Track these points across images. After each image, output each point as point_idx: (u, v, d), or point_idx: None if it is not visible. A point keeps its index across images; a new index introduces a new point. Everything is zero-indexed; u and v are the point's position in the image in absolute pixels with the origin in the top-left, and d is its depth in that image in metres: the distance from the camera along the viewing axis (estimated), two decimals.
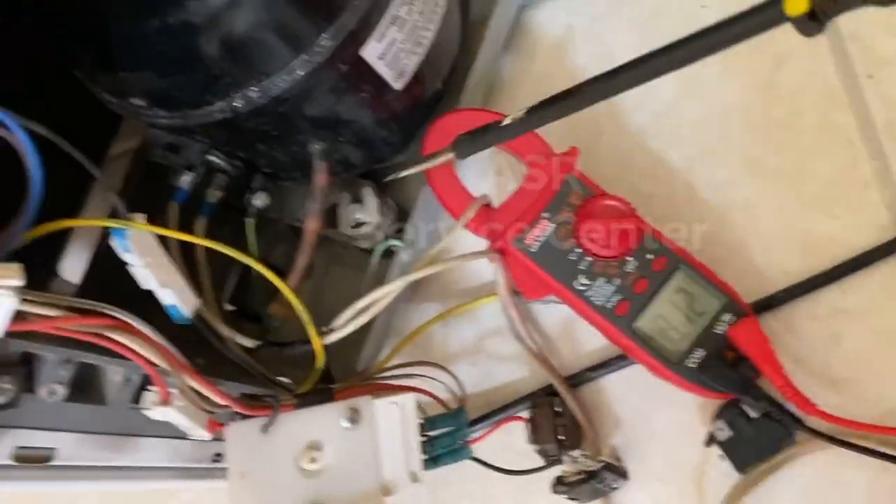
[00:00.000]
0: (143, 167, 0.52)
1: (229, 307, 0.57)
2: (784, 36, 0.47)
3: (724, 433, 0.44)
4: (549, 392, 0.50)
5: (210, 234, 0.47)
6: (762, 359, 0.42)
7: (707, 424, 0.46)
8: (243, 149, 0.45)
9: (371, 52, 0.41)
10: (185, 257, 0.48)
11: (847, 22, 0.47)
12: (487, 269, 0.53)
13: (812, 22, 0.25)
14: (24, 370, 0.31)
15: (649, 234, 0.45)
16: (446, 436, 0.44)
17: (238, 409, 0.36)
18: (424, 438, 0.42)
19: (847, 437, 0.42)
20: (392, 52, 0.42)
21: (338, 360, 0.50)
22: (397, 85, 0.44)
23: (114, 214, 0.37)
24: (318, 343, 0.41)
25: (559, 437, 0.47)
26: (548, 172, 0.46)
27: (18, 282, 0.26)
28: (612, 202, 0.45)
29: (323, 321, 0.45)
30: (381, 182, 0.53)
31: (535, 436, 0.47)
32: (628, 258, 0.44)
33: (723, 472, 0.45)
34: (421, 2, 0.43)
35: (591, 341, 0.50)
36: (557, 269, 0.45)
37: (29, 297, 0.28)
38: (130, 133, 0.46)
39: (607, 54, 0.54)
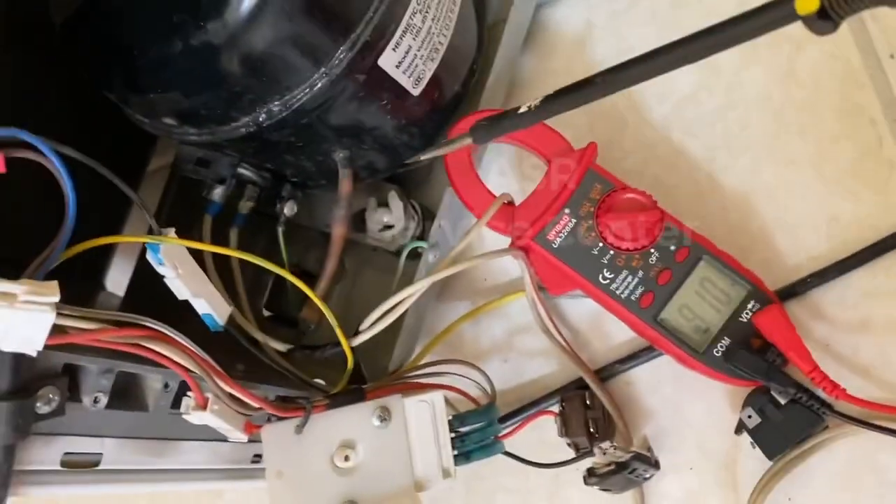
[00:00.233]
0: (179, 182, 0.54)
1: (267, 313, 0.59)
2: None
3: (753, 420, 0.44)
4: (579, 386, 0.50)
5: (245, 243, 0.49)
6: (788, 345, 0.42)
7: (737, 412, 0.46)
8: (271, 160, 0.47)
9: (388, 61, 0.42)
10: (221, 267, 0.50)
11: None
12: (515, 266, 0.54)
13: (824, 21, 0.25)
14: (68, 380, 0.32)
15: (671, 226, 0.45)
16: (477, 431, 0.45)
17: (271, 411, 0.38)
18: (455, 435, 0.43)
19: (879, 420, 0.42)
20: (409, 60, 0.43)
21: (370, 361, 0.52)
22: (416, 91, 0.45)
23: (150, 230, 0.39)
24: (346, 345, 0.42)
25: (590, 429, 0.47)
26: (567, 168, 0.46)
27: (55, 298, 0.28)
28: (633, 195, 0.45)
29: (355, 323, 0.47)
30: (405, 182, 0.54)
31: (566, 429, 0.48)
32: (651, 250, 0.45)
33: (755, 459, 0.45)
34: (434, 9, 0.44)
35: (619, 334, 0.51)
36: (581, 263, 0.45)
37: (67, 312, 0.29)
38: (166, 150, 0.49)
39: (627, 49, 0.54)
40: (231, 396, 0.37)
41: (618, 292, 0.45)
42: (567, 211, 0.46)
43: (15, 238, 0.33)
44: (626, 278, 0.45)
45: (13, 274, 0.30)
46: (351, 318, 0.46)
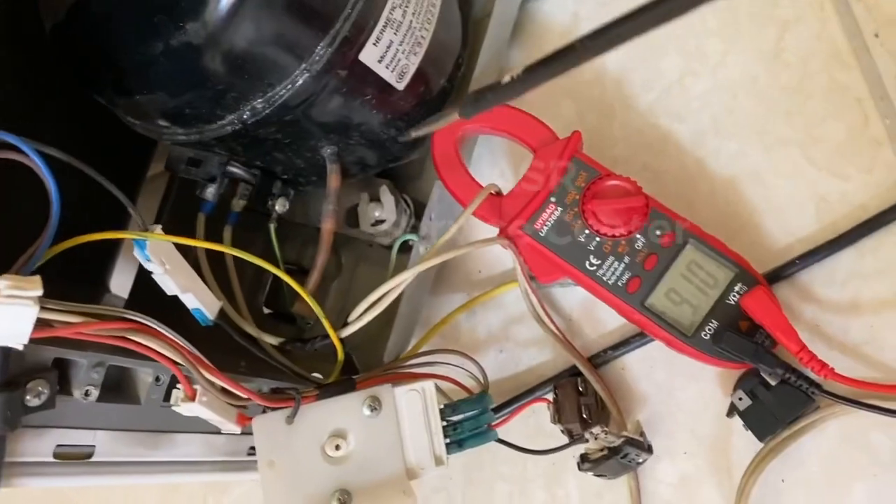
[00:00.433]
0: (180, 185, 0.55)
1: (267, 311, 0.60)
2: (790, 1, 0.48)
3: (744, 403, 0.44)
4: (573, 373, 0.51)
5: (244, 241, 0.50)
6: (775, 325, 0.42)
7: (729, 396, 0.46)
8: (260, 158, 0.48)
9: (369, 55, 0.43)
10: (218, 264, 0.51)
11: None
12: (509, 257, 0.54)
13: None
14: (57, 374, 0.33)
15: (656, 211, 0.45)
16: (470, 420, 0.45)
17: (260, 402, 0.38)
18: (447, 423, 0.44)
19: (869, 399, 0.42)
20: (391, 55, 0.44)
21: (367, 355, 0.52)
22: (400, 85, 0.46)
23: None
24: (334, 336, 0.43)
25: (583, 415, 0.48)
26: (553, 157, 0.47)
27: (38, 292, 0.29)
28: (618, 182, 0.46)
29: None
30: (397, 177, 0.55)
31: (559, 416, 0.48)
32: (637, 236, 0.45)
33: (748, 441, 0.45)
34: (414, 3, 0.44)
35: (611, 321, 0.51)
36: (567, 251, 0.46)
37: (51, 306, 0.30)
38: (165, 154, 0.50)
39: None
40: (220, 388, 0.38)
41: (605, 278, 0.45)
42: (553, 199, 0.46)
43: (6, 238, 0.34)
44: (612, 264, 0.45)
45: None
46: (348, 312, 0.47)
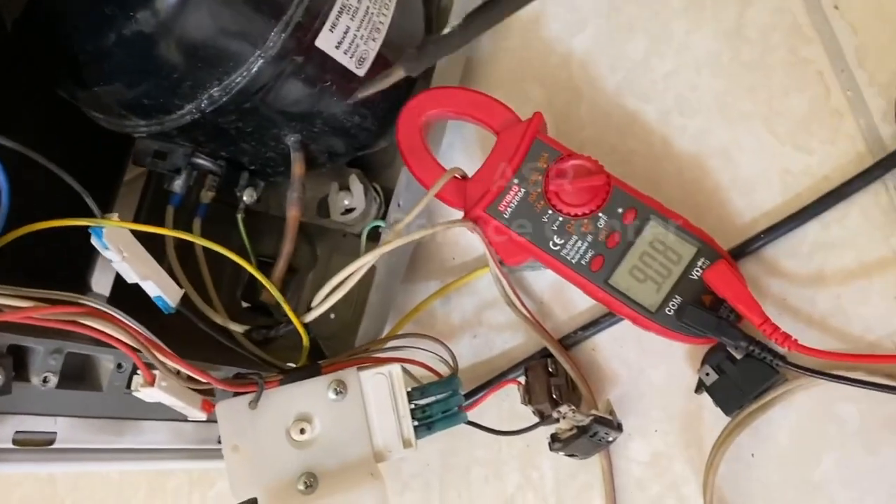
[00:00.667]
0: (157, 182, 0.56)
1: (245, 304, 0.60)
2: None
3: (711, 378, 0.44)
4: (544, 355, 0.51)
5: (218, 235, 0.50)
6: (737, 298, 0.42)
7: (698, 372, 0.46)
8: (224, 148, 0.48)
9: (326, 41, 0.43)
10: (189, 257, 0.51)
11: None
12: (481, 243, 0.54)
13: None
14: (13, 360, 0.34)
15: (618, 189, 0.45)
16: (440, 402, 0.45)
17: (219, 386, 0.39)
18: (416, 406, 0.44)
19: (836, 370, 0.42)
20: (348, 40, 0.44)
21: (339, 344, 0.53)
22: (360, 72, 0.46)
23: None
24: (296, 321, 0.43)
25: (553, 396, 0.48)
26: (515, 139, 0.47)
27: None
28: (579, 161, 0.46)
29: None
30: (368, 166, 0.55)
31: (530, 396, 0.48)
32: (599, 214, 0.45)
33: (717, 417, 0.45)
34: None
35: (581, 302, 0.51)
36: (532, 232, 0.46)
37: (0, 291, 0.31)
38: None
39: (580, 20, 0.55)
40: (181, 374, 0.38)
41: (568, 258, 0.45)
42: (516, 181, 0.46)
43: None
44: (575, 244, 0.45)
45: None
46: None
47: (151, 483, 0.66)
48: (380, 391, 0.42)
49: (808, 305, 0.45)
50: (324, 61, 0.44)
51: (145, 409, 0.40)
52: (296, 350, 0.48)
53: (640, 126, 0.51)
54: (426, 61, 0.39)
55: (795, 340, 0.41)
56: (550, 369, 0.49)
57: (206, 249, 0.51)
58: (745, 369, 0.43)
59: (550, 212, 0.46)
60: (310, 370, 0.42)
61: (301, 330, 0.43)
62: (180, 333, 0.40)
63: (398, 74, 0.42)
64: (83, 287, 0.55)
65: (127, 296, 0.40)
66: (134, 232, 0.38)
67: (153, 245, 0.40)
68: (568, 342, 0.51)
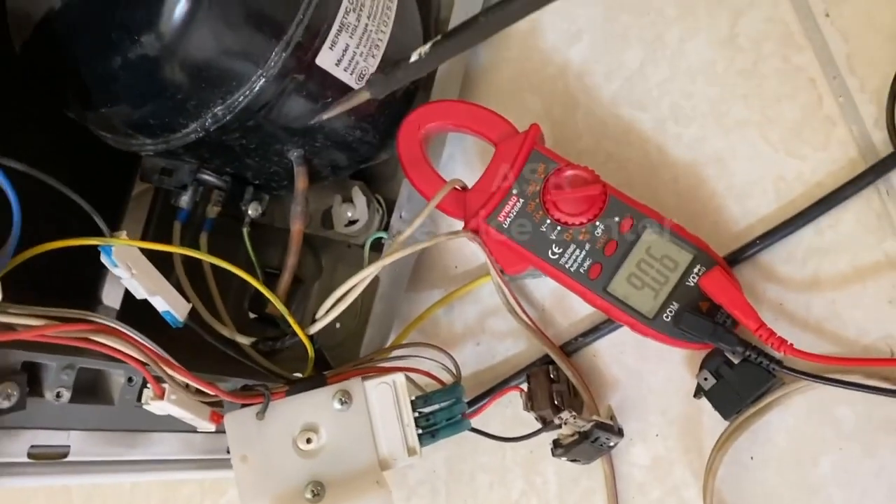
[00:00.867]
0: (165, 198, 0.57)
1: (252, 315, 0.61)
2: None
3: (709, 382, 0.45)
4: (546, 361, 0.52)
5: (225, 248, 0.51)
6: (733, 304, 0.43)
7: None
8: (229, 164, 0.49)
9: (326, 59, 0.44)
10: (197, 271, 0.53)
11: None
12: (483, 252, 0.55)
13: None
14: (27, 377, 0.35)
15: (615, 198, 0.46)
16: (443, 410, 0.46)
17: (226, 398, 0.40)
18: (420, 414, 0.44)
19: (832, 373, 0.42)
20: (348, 58, 0.45)
21: (345, 354, 0.54)
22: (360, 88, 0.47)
23: None
24: (301, 333, 0.44)
25: (554, 402, 0.48)
26: (513, 150, 0.48)
27: None
28: (576, 171, 0.47)
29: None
30: (371, 178, 0.56)
31: (532, 403, 0.49)
32: (596, 223, 0.46)
33: (717, 421, 0.46)
34: (369, 6, 0.45)
35: (582, 309, 0.52)
36: (530, 241, 0.47)
37: (13, 311, 0.32)
38: None
39: (576, 31, 0.55)
40: (189, 387, 0.39)
41: (567, 266, 0.46)
42: (515, 191, 0.47)
43: None
44: (573, 252, 0.46)
45: None
46: None
47: (164, 493, 0.67)
48: (384, 400, 0.43)
49: (804, 310, 0.46)
50: (324, 79, 0.45)
51: (156, 421, 0.41)
52: (302, 361, 0.49)
53: (636, 135, 0.52)
54: (392, 85, 0.40)
55: (791, 345, 0.42)
56: (552, 376, 0.50)
57: (213, 263, 0.52)
58: (742, 374, 0.44)
59: (549, 221, 0.47)
60: (315, 381, 0.43)
61: (306, 341, 0.44)
62: (189, 345, 0.42)
63: (363, 97, 0.42)
64: (94, 302, 0.57)
65: (137, 310, 0.41)
66: (142, 248, 0.40)
67: (161, 259, 0.41)
68: (569, 349, 0.52)
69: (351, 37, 0.45)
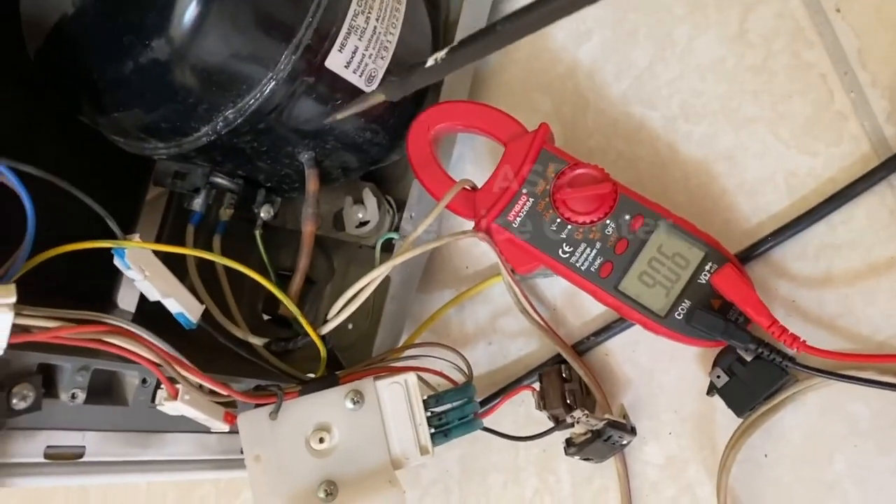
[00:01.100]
0: (179, 202, 0.58)
1: (266, 317, 0.62)
2: None
3: (722, 380, 0.45)
4: (558, 361, 0.52)
5: (238, 251, 0.51)
6: (745, 301, 0.43)
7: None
8: (241, 167, 0.50)
9: (335, 62, 0.44)
10: (211, 274, 0.53)
11: None
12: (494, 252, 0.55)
13: None
14: (42, 378, 0.35)
15: (625, 197, 0.46)
16: (455, 409, 0.46)
17: (239, 398, 0.40)
18: (432, 414, 0.45)
19: (844, 370, 0.42)
20: (357, 60, 0.45)
21: (357, 354, 0.54)
22: (369, 89, 0.47)
23: None
24: (313, 333, 0.44)
25: (567, 401, 0.48)
26: (522, 150, 0.48)
27: (12, 299, 0.31)
28: (585, 170, 0.47)
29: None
30: (381, 180, 0.56)
31: (544, 402, 0.49)
32: (607, 221, 0.46)
33: (730, 419, 0.45)
34: (377, 9, 0.46)
35: (593, 308, 0.52)
36: (541, 240, 0.47)
37: (28, 312, 0.32)
38: None
39: (585, 31, 0.55)
40: (203, 387, 0.39)
41: (578, 265, 0.46)
42: (524, 191, 0.47)
43: None
44: (584, 251, 0.46)
45: None
46: None
47: (179, 494, 0.68)
48: (396, 400, 0.44)
49: (817, 307, 0.45)
50: (334, 81, 0.45)
51: (170, 422, 0.42)
52: (314, 361, 0.50)
53: (646, 133, 0.52)
54: (407, 88, 0.40)
55: (804, 341, 0.42)
56: (564, 375, 0.50)
57: (226, 266, 0.53)
58: (755, 371, 0.44)
59: (559, 220, 0.47)
60: (327, 381, 0.44)
61: (318, 342, 0.44)
62: (202, 347, 0.42)
63: (377, 98, 0.43)
64: (110, 307, 0.57)
65: (152, 314, 0.41)
66: (156, 251, 0.40)
67: (175, 263, 0.42)
68: (581, 348, 0.52)
69: (360, 39, 0.45)
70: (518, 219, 0.47)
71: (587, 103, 0.55)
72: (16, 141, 0.46)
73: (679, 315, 0.44)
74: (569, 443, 0.47)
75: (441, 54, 0.36)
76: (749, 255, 0.47)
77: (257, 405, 0.42)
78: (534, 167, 0.47)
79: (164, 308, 0.41)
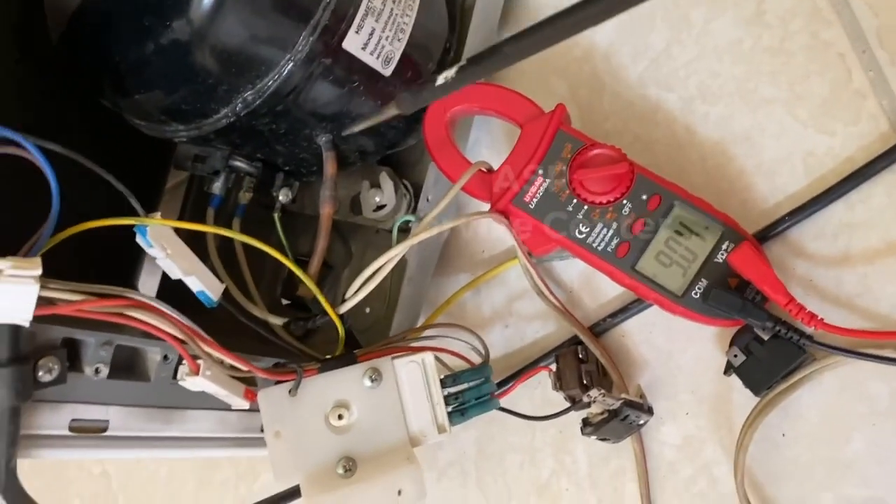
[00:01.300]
0: (199, 186, 0.58)
1: (285, 301, 0.62)
2: None
3: (739, 359, 0.45)
4: (574, 342, 0.52)
5: (257, 236, 0.52)
6: (762, 279, 0.43)
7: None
8: (260, 150, 0.50)
9: (352, 43, 0.45)
10: (230, 256, 0.54)
11: None
12: (510, 236, 0.55)
13: None
14: (66, 351, 0.36)
15: (642, 177, 0.46)
16: (472, 389, 0.46)
17: (260, 374, 0.40)
18: (448, 393, 0.45)
19: (863, 348, 0.42)
20: (374, 41, 0.46)
21: (375, 336, 0.54)
22: (387, 71, 0.48)
23: None
24: (331, 311, 0.45)
25: (583, 382, 0.49)
26: (538, 131, 0.48)
27: (38, 271, 0.31)
28: (602, 150, 0.47)
29: (363, 300, 0.49)
30: (398, 164, 0.57)
31: (560, 382, 0.49)
32: (623, 201, 0.46)
33: (748, 398, 0.45)
34: None
35: (610, 290, 0.52)
36: (557, 221, 0.47)
37: (53, 286, 0.33)
38: None
39: None
40: (224, 363, 0.40)
41: (594, 245, 0.46)
42: (541, 172, 0.48)
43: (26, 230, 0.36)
44: (601, 231, 0.46)
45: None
46: None
47: (199, 477, 0.69)
48: (414, 379, 0.44)
49: (835, 286, 0.45)
50: (351, 62, 0.45)
51: (191, 398, 0.42)
52: (332, 343, 0.50)
53: (662, 115, 0.52)
54: (419, 103, 0.42)
55: (822, 319, 0.42)
56: (581, 356, 0.50)
57: (245, 249, 0.53)
58: (772, 350, 0.44)
59: (575, 201, 0.47)
60: (346, 359, 0.44)
61: (336, 320, 0.45)
62: (222, 327, 0.42)
63: (391, 112, 0.44)
64: (130, 288, 0.58)
65: (173, 297, 0.42)
66: (177, 233, 0.41)
67: (195, 247, 0.42)
68: (597, 329, 0.52)
69: (377, 20, 0.45)
70: (534, 200, 0.47)
71: (603, 86, 0.55)
72: (41, 123, 0.46)
73: (696, 294, 0.45)
74: (585, 423, 0.47)
75: (451, 73, 0.37)
76: (766, 235, 0.47)
77: (277, 382, 0.43)
78: (550, 148, 0.48)
79: (185, 292, 0.42)
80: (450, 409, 0.45)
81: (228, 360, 0.39)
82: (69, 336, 0.36)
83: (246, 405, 0.43)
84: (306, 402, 0.42)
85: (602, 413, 0.47)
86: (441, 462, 0.57)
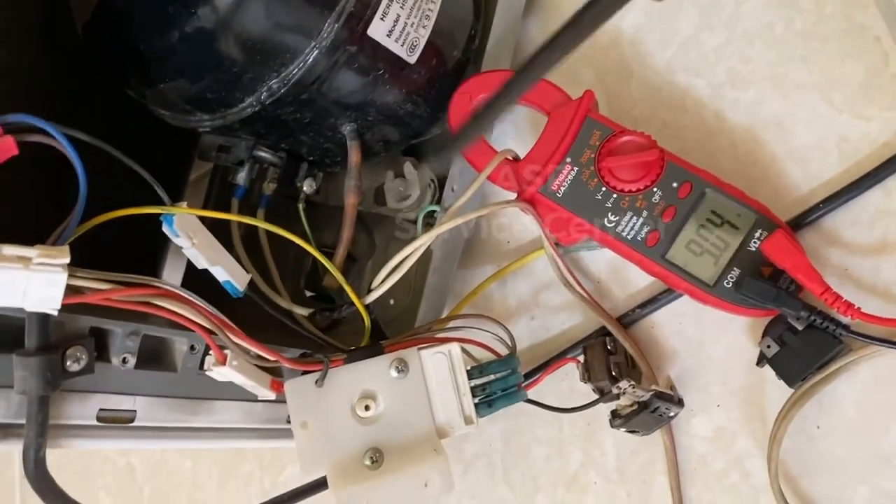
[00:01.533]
0: (223, 177, 0.58)
1: (309, 293, 0.62)
2: None
3: (772, 350, 0.44)
4: (602, 333, 0.51)
5: (276, 224, 0.52)
6: (796, 268, 0.42)
7: (759, 345, 0.45)
8: (284, 140, 0.50)
9: (377, 30, 0.44)
10: (254, 246, 0.53)
11: None
12: (536, 226, 0.55)
13: None
14: (94, 341, 0.36)
15: (672, 164, 0.45)
16: (499, 380, 0.46)
17: (286, 364, 0.40)
18: (475, 384, 0.44)
19: None
20: (399, 28, 0.45)
21: (400, 327, 0.54)
22: (412, 59, 0.47)
23: None
24: (357, 301, 0.44)
25: (612, 373, 0.48)
26: (566, 118, 0.47)
27: (66, 260, 0.31)
28: (631, 137, 0.46)
29: (387, 291, 0.49)
30: (422, 154, 0.56)
31: (589, 374, 0.48)
32: (654, 189, 0.45)
33: (780, 389, 0.45)
34: None
35: (639, 280, 0.51)
36: (586, 209, 0.46)
37: (81, 274, 0.33)
38: None
39: (628, 6, 0.54)
40: (250, 353, 0.40)
41: (624, 234, 0.45)
42: (569, 160, 0.47)
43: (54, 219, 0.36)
44: (630, 219, 0.45)
45: None
46: None
47: (224, 469, 0.69)
48: (440, 369, 0.43)
49: (871, 274, 0.44)
50: (376, 50, 0.45)
51: (217, 389, 0.42)
52: (357, 335, 0.50)
53: (692, 101, 0.51)
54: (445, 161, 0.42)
55: (859, 309, 0.41)
56: (609, 347, 0.49)
57: (270, 239, 0.53)
58: (807, 340, 0.43)
59: (604, 189, 0.46)
60: (372, 350, 0.44)
61: (362, 310, 0.44)
62: (247, 318, 0.42)
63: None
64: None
65: (197, 289, 0.41)
66: (202, 219, 0.40)
67: (220, 238, 0.42)
68: (626, 321, 0.51)
69: (402, 7, 0.45)
70: (562, 188, 0.47)
71: (631, 72, 0.54)
72: (67, 113, 0.46)
73: (728, 284, 0.44)
74: (614, 415, 0.47)
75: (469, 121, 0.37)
76: (800, 223, 0.46)
77: (304, 372, 0.42)
78: (578, 135, 0.47)
79: (210, 280, 0.41)
80: (476, 400, 0.44)
81: (255, 349, 0.38)
82: (97, 325, 0.36)
83: (272, 396, 0.42)
84: (333, 392, 0.42)
85: (631, 405, 0.46)
86: (467, 454, 0.57)
